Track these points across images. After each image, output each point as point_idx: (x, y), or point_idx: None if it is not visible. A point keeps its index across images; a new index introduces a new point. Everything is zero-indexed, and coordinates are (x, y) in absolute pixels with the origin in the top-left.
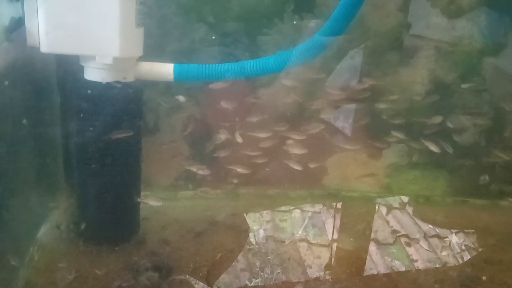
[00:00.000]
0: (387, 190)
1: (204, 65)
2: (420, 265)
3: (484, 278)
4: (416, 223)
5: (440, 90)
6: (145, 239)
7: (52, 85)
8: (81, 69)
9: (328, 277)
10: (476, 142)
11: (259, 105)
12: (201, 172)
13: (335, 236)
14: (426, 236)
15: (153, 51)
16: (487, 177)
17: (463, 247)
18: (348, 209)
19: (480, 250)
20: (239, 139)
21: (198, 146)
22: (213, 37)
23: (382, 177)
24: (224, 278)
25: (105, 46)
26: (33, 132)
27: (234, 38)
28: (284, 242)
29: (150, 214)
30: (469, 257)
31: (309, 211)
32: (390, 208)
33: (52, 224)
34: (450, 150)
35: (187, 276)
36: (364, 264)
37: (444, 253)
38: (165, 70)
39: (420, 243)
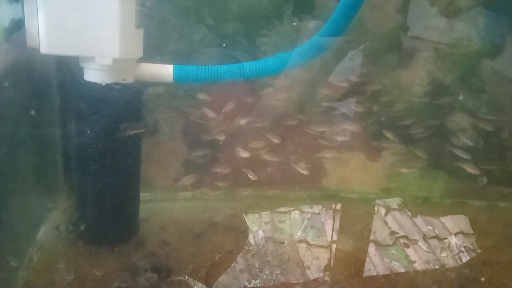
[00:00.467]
0: (386, 191)
1: (203, 66)
2: (419, 266)
3: (482, 279)
4: (415, 224)
5: (439, 91)
6: (144, 240)
7: (51, 86)
8: (80, 70)
9: (327, 278)
10: (475, 144)
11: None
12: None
13: (334, 237)
14: (425, 237)
15: (152, 52)
16: (484, 179)
17: (462, 249)
18: (347, 210)
19: (478, 252)
20: (245, 154)
21: (197, 147)
22: (224, 45)
23: (381, 178)
24: (223, 279)
25: (105, 48)
26: (33, 133)
27: (233, 40)
28: (283, 243)
29: (149, 215)
30: (467, 258)
31: (308, 212)
32: (389, 209)
33: (51, 225)
34: (467, 156)
35: (186, 277)
36: (363, 265)
37: (442, 254)
38: (165, 71)
39: (419, 244)
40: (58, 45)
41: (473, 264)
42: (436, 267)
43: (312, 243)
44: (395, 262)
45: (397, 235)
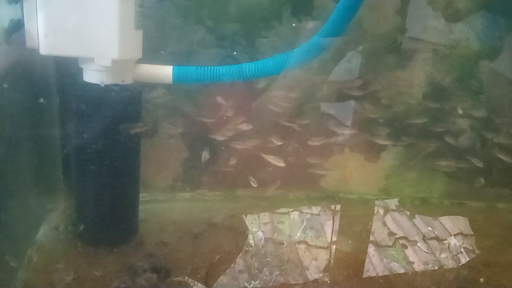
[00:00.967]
0: (385, 192)
1: (203, 67)
2: (417, 267)
3: (481, 280)
4: (415, 225)
5: (437, 92)
6: (143, 241)
7: (51, 87)
8: (80, 71)
9: (326, 279)
10: (473, 145)
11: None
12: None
13: (333, 238)
14: (425, 238)
15: (150, 53)
16: (482, 180)
17: (461, 250)
18: (346, 211)
19: (477, 253)
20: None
21: (196, 148)
22: (235, 53)
23: (380, 179)
24: (223, 279)
25: (104, 48)
26: (32, 134)
27: (232, 41)
28: (283, 244)
29: (149, 215)
30: (466, 259)
31: (307, 213)
32: (387, 210)
33: (50, 225)
34: (479, 164)
35: (185, 277)
36: (362, 266)
37: (442, 255)
38: (164, 72)
39: (419, 245)
40: (57, 46)
41: (472, 265)
42: (435, 268)
43: (311, 244)
44: (394, 263)
45: (396, 236)
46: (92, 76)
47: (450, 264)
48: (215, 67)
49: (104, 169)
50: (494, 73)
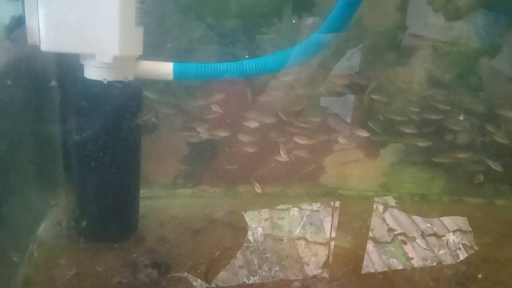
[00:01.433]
0: (384, 188)
1: (203, 64)
2: (416, 263)
3: (479, 276)
4: (413, 222)
5: (437, 89)
6: (144, 237)
7: (52, 83)
8: (81, 67)
9: (325, 275)
10: (472, 141)
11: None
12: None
13: (333, 235)
14: (423, 235)
15: (151, 49)
16: (481, 177)
17: (460, 246)
18: (346, 207)
19: (476, 249)
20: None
21: (197, 144)
22: (246, 56)
23: (379, 175)
24: (223, 275)
25: (105, 45)
26: (33, 130)
27: (233, 37)
28: (282, 240)
29: (149, 212)
30: (465, 255)
31: (307, 209)
32: (387, 207)
33: (51, 221)
34: (499, 168)
35: (185, 273)
36: (361, 262)
37: (441, 251)
38: (165, 69)
39: (417, 241)
40: (58, 42)
41: (470, 261)
42: (434, 264)
43: (310, 240)
44: (393, 259)
45: (395, 232)
46: (93, 72)
47: (448, 260)
48: (216, 63)
49: (105, 165)
50: (494, 70)
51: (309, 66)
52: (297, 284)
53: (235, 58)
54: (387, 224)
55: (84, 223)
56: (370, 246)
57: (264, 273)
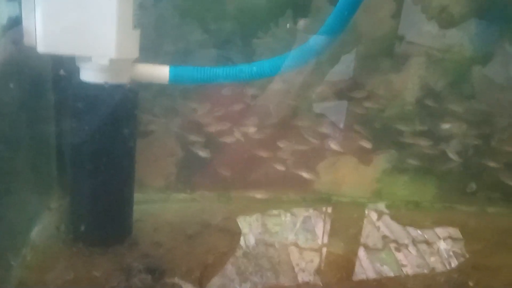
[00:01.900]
0: (377, 195)
1: (199, 67)
2: (409, 270)
3: (471, 283)
4: (406, 229)
5: (430, 96)
6: (138, 241)
7: (47, 85)
8: (77, 70)
9: (318, 281)
10: (464, 149)
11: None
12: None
13: (326, 241)
14: (414, 242)
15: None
16: (474, 185)
17: (451, 253)
18: (339, 214)
19: (467, 256)
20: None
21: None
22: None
23: (372, 182)
24: (217, 280)
25: (101, 47)
26: (27, 132)
27: (229, 41)
28: (276, 246)
29: (143, 216)
30: (456, 263)
31: (300, 215)
32: (380, 213)
33: (45, 224)
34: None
35: (179, 278)
36: (354, 269)
37: (432, 258)
38: (161, 72)
39: (409, 248)
40: (55, 44)
41: (462, 268)
42: (426, 271)
43: (303, 246)
44: (385, 266)
45: (388, 239)
46: (89, 75)
47: (440, 267)
48: (212, 67)
49: (99, 169)
50: (486, 78)
51: (304, 71)
52: None
53: (231, 62)
54: (380, 231)
55: (78, 227)
56: (362, 253)
57: (257, 280)
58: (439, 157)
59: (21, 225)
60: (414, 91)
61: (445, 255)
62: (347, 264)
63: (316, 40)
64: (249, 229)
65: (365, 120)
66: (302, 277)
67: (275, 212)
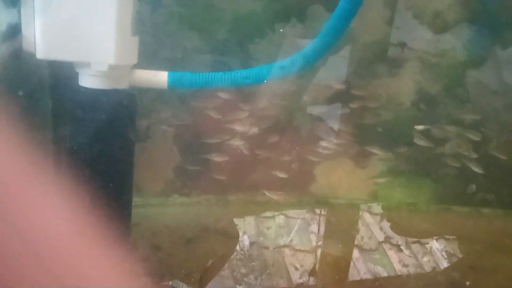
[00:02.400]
0: (373, 197)
1: (197, 73)
2: (406, 271)
3: (467, 283)
4: (403, 230)
5: (425, 100)
6: (136, 245)
7: (44, 90)
8: (73, 75)
9: (314, 283)
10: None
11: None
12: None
13: (322, 243)
14: (409, 243)
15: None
16: (474, 187)
17: (447, 254)
18: (335, 216)
19: (464, 257)
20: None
21: (189, 153)
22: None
23: (368, 184)
24: (216, 283)
25: (101, 54)
26: (24, 137)
27: (226, 47)
28: (272, 248)
29: (141, 220)
30: (453, 263)
31: (297, 217)
32: (375, 215)
33: None
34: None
35: (179, 282)
36: (349, 270)
37: (429, 259)
38: (159, 77)
39: (405, 250)
40: (54, 50)
41: (459, 268)
42: (424, 271)
43: (302, 249)
44: (381, 267)
45: (384, 241)
46: (88, 80)
47: (438, 268)
48: (210, 73)
49: (96, 174)
50: (479, 82)
51: (300, 76)
52: None
53: (228, 67)
54: (376, 233)
55: None
56: (358, 254)
57: (255, 282)
58: (435, 160)
59: None
60: (410, 95)
61: (440, 256)
62: (344, 265)
63: (313, 46)
64: (247, 232)
65: (360, 121)
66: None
67: (272, 215)
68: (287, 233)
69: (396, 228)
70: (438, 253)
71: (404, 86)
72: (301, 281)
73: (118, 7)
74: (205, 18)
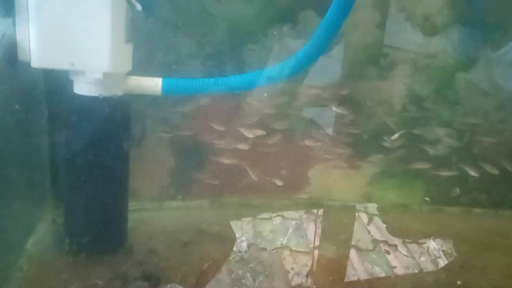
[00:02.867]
0: (367, 198)
1: (191, 79)
2: (398, 270)
3: (459, 282)
4: (395, 230)
5: (416, 103)
6: (133, 249)
7: (40, 98)
8: (68, 83)
9: (310, 284)
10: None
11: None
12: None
13: (318, 244)
14: (404, 243)
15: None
16: (458, 190)
17: (439, 254)
18: (330, 217)
19: (455, 256)
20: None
21: (184, 157)
22: None
23: (362, 186)
24: (213, 286)
25: (95, 62)
26: (21, 145)
27: (220, 52)
28: (269, 250)
29: (137, 224)
30: (445, 263)
31: (292, 219)
32: (370, 216)
33: (40, 235)
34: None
35: (176, 285)
36: (346, 271)
37: (422, 259)
38: (153, 84)
39: (399, 249)
40: (49, 59)
41: (450, 268)
42: (415, 271)
43: (298, 250)
44: (376, 267)
45: (378, 241)
46: (83, 88)
47: (429, 267)
48: (203, 79)
49: (93, 179)
50: (469, 84)
51: (293, 80)
52: None
53: (223, 73)
54: (370, 233)
55: (73, 237)
56: (354, 255)
57: (252, 284)
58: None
59: (17, 236)
60: (400, 97)
61: (434, 255)
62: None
63: (305, 51)
64: (242, 234)
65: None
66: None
67: (267, 217)
68: (284, 234)
69: (389, 228)
70: (433, 253)
71: (395, 88)
72: (300, 281)
73: (111, 16)
74: (198, 24)
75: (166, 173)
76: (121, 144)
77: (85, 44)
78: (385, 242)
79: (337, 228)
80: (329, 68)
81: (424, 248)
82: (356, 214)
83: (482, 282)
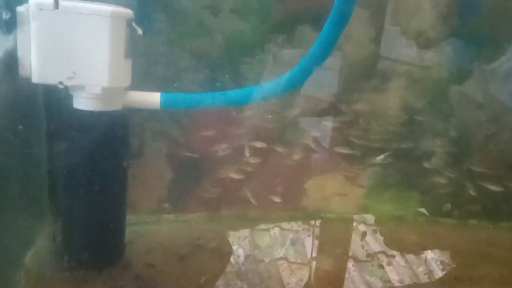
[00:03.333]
0: (364, 210)
1: (189, 94)
2: (396, 282)
3: None
4: (391, 242)
5: (410, 115)
6: (130, 263)
7: (39, 112)
8: (67, 97)
9: None
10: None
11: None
12: None
13: (315, 256)
14: (402, 254)
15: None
16: (449, 205)
17: (435, 265)
18: (327, 229)
19: (450, 268)
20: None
21: (181, 170)
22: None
23: (359, 198)
24: None
25: (95, 77)
26: (20, 159)
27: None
28: (266, 262)
29: (134, 238)
30: (440, 274)
31: (290, 231)
32: (366, 228)
33: (38, 249)
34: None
35: None
36: (343, 282)
37: (419, 269)
38: (152, 98)
39: (397, 259)
40: (49, 75)
41: (445, 279)
42: (412, 282)
43: (296, 261)
44: (373, 278)
45: (374, 252)
46: (82, 103)
47: (425, 279)
48: (201, 93)
49: (91, 194)
50: (463, 97)
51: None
52: None
53: (221, 87)
54: (367, 245)
55: (71, 251)
56: (351, 266)
57: None
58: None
59: (15, 250)
60: (395, 110)
61: (429, 267)
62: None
63: (300, 67)
64: (240, 247)
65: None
66: None
67: (264, 228)
68: (282, 246)
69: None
70: (429, 263)
71: (390, 102)
72: None
73: (111, 32)
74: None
75: (164, 187)
76: (119, 158)
77: (84, 60)
78: (383, 252)
79: (335, 240)
80: (326, 81)
81: (421, 259)
82: (354, 226)
83: None
